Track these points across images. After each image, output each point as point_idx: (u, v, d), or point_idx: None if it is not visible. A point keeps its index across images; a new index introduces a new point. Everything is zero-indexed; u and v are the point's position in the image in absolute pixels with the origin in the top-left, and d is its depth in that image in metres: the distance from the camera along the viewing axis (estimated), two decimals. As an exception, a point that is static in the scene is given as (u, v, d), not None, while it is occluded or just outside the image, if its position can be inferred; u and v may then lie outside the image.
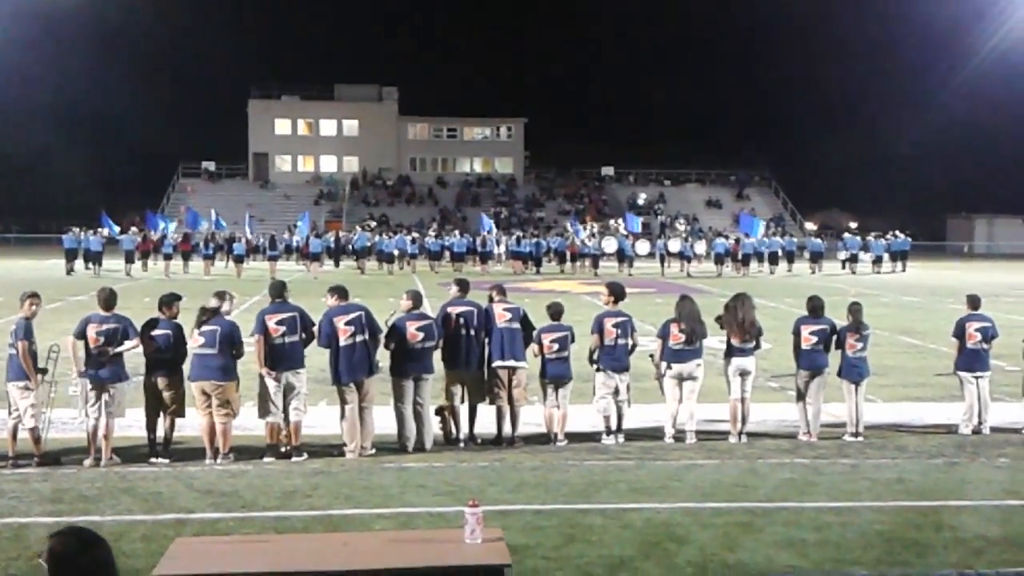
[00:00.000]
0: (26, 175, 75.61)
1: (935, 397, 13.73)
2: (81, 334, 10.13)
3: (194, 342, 10.21)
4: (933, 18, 68.78)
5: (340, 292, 10.77)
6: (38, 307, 10.36)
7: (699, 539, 7.24)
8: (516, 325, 11.06)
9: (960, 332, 11.89)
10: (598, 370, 11.11)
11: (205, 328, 10.20)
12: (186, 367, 10.47)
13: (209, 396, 10.11)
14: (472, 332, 10.98)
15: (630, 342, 11.20)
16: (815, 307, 11.60)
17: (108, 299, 10.37)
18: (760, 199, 72.24)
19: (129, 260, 38.47)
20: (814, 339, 11.32)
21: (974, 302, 12.16)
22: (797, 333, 11.46)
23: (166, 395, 10.26)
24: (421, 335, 10.65)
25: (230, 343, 10.24)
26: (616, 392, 11.04)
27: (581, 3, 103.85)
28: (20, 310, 10.21)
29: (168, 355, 10.30)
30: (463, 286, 11.48)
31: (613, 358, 11.05)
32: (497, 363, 10.98)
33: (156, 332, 10.29)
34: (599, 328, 11.09)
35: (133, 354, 10.47)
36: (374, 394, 10.61)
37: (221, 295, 10.59)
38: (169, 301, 10.58)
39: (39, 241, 61.50)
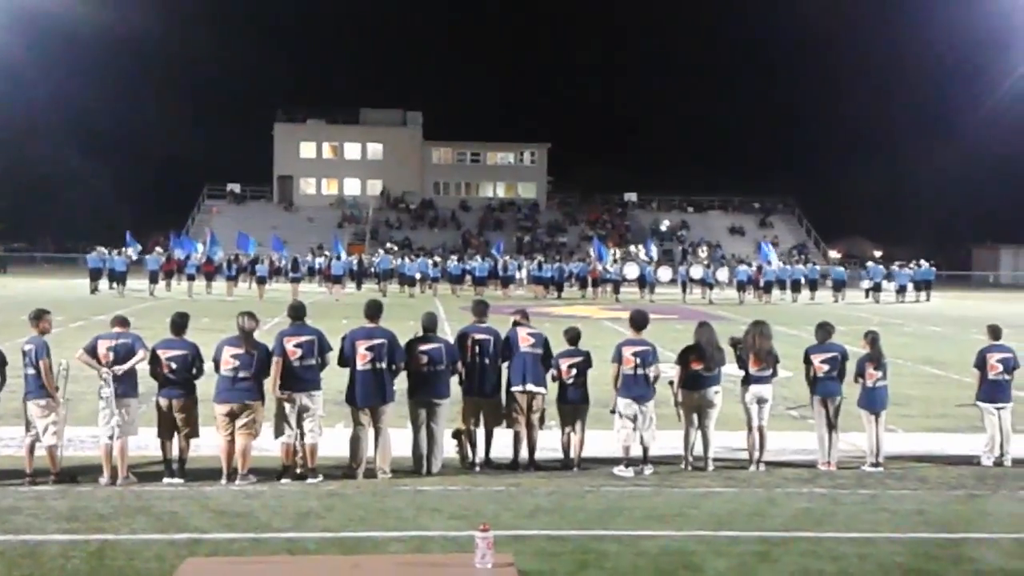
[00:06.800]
0: (53, 195, 76.45)
1: (957, 428, 13.59)
2: (92, 351, 10.18)
3: (227, 364, 10.17)
4: (959, 46, 68.71)
5: (369, 311, 10.78)
6: (50, 324, 10.49)
7: (715, 568, 7.18)
8: (539, 351, 11.04)
9: (981, 362, 11.79)
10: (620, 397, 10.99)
11: (241, 351, 10.22)
12: (205, 388, 10.50)
13: (235, 417, 10.10)
14: (488, 359, 10.96)
15: (652, 371, 10.96)
16: (825, 334, 11.52)
17: (121, 320, 10.49)
18: (784, 226, 72.05)
19: (153, 280, 38.71)
20: (826, 367, 11.23)
21: (995, 332, 12.06)
22: (808, 362, 11.38)
23: (179, 416, 10.23)
24: (425, 359, 10.64)
25: (265, 365, 10.27)
26: (634, 421, 10.86)
27: (606, 29, 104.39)
28: (33, 329, 10.27)
29: (183, 376, 10.30)
30: (479, 310, 11.40)
31: (633, 387, 10.91)
32: (516, 388, 10.95)
33: (173, 352, 10.31)
34: (618, 357, 11.00)
35: (147, 375, 10.49)
36: (390, 416, 10.61)
37: (251, 316, 10.56)
38: (182, 322, 10.61)
39: (65, 260, 62.14)
